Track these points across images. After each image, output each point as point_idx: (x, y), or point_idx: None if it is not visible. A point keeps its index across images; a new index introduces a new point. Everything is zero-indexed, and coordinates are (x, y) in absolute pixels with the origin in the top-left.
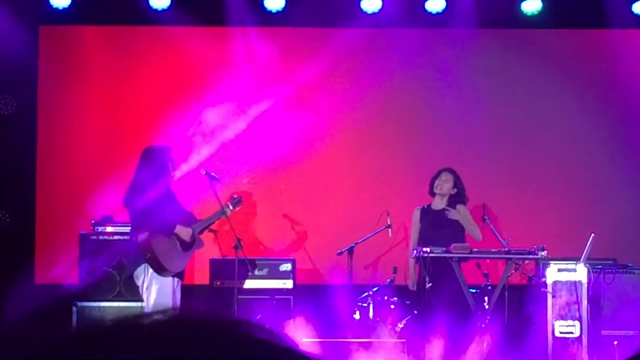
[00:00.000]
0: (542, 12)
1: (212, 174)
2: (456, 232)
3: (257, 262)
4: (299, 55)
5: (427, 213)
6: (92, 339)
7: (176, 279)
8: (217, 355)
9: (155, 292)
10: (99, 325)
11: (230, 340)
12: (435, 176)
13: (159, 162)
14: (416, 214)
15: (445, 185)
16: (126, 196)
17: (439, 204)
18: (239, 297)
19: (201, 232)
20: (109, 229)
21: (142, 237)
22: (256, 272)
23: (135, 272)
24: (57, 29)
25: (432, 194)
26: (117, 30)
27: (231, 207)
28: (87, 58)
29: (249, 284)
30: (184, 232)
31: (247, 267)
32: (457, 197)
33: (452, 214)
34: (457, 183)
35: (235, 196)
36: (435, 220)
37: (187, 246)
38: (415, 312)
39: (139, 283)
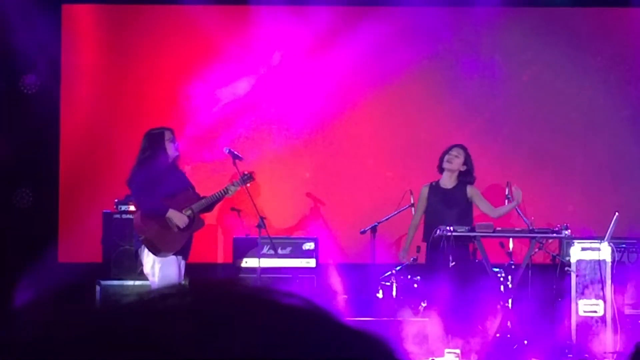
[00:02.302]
0: None
1: (235, 152)
2: (464, 211)
3: (280, 240)
4: (321, 34)
5: (436, 191)
6: (110, 322)
7: (180, 258)
8: (248, 322)
9: (159, 271)
10: (115, 307)
11: (263, 308)
12: (446, 151)
13: (154, 144)
14: (424, 191)
15: (456, 160)
16: (128, 178)
17: (447, 181)
18: (262, 275)
19: (203, 211)
20: (132, 207)
21: (136, 218)
22: (279, 251)
23: (138, 251)
24: (80, 7)
25: (441, 170)
26: (140, 9)
27: (236, 187)
28: (110, 37)
29: (272, 262)
30: (177, 217)
31: (270, 246)
32: (466, 175)
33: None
34: (467, 160)
35: (246, 173)
36: (445, 199)
37: (185, 226)
38: (415, 285)
39: (143, 262)
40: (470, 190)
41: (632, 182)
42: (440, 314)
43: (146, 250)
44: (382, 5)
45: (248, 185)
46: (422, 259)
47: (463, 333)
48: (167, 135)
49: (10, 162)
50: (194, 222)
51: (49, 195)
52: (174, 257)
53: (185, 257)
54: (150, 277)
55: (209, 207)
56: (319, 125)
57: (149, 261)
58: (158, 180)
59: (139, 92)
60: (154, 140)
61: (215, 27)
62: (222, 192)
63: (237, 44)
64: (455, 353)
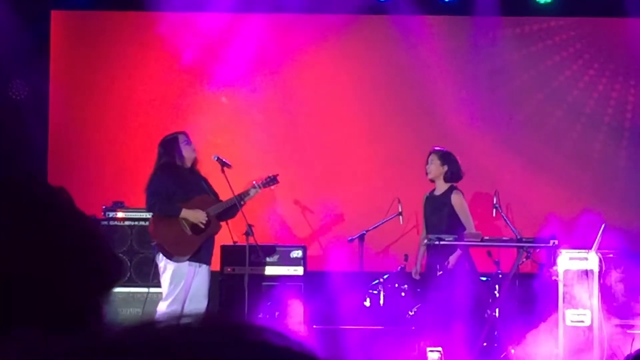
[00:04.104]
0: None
1: (224, 159)
2: (444, 217)
3: (268, 248)
4: (311, 42)
5: (428, 199)
6: (104, 347)
7: (196, 264)
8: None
9: (169, 277)
10: (111, 332)
11: (244, 345)
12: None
13: (169, 150)
14: (423, 201)
15: (430, 167)
16: (146, 186)
17: (438, 188)
18: (250, 283)
19: (224, 215)
20: (120, 214)
21: (149, 224)
22: (267, 259)
23: (156, 258)
24: (69, 14)
25: (432, 181)
26: (130, 16)
27: (257, 189)
28: (100, 43)
29: (260, 270)
30: (193, 215)
31: (258, 254)
32: (452, 176)
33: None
34: (445, 160)
35: (270, 175)
36: (433, 205)
37: (199, 229)
38: (403, 294)
39: (159, 268)
40: (453, 197)
41: (622, 191)
42: (427, 322)
43: (161, 255)
44: (372, 14)
45: (272, 187)
46: (410, 267)
47: (450, 342)
48: (181, 138)
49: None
50: (210, 225)
51: None
52: (187, 264)
53: (206, 262)
54: (162, 284)
55: (229, 211)
56: (308, 132)
57: (162, 267)
58: (173, 184)
59: (127, 99)
60: (169, 145)
61: (208, 34)
62: (243, 194)
63: (230, 51)
64: (437, 351)
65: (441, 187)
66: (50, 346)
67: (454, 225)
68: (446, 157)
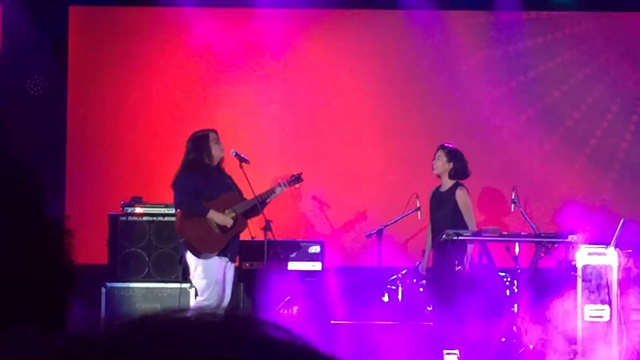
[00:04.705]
0: None
1: (242, 155)
2: (448, 213)
3: (286, 244)
4: (329, 38)
5: (434, 195)
6: (102, 344)
7: (225, 259)
8: (231, 355)
9: (201, 273)
10: (110, 327)
11: (246, 340)
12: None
13: (198, 147)
14: (429, 197)
15: (436, 163)
16: (172, 181)
17: (444, 184)
18: (268, 278)
19: (250, 212)
20: (138, 209)
21: (176, 221)
22: (285, 254)
23: (183, 255)
24: (87, 9)
25: (438, 177)
26: (147, 11)
27: (283, 188)
28: (118, 39)
29: (278, 266)
30: (220, 218)
31: (276, 249)
32: (456, 173)
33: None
34: (452, 157)
35: (295, 174)
36: (438, 201)
37: (227, 227)
38: (421, 289)
39: (189, 265)
40: (458, 193)
41: (639, 186)
42: (445, 318)
43: (189, 253)
44: (388, 9)
45: (297, 186)
46: (428, 263)
47: (468, 337)
48: (212, 136)
49: (16, 163)
50: (237, 223)
51: (55, 197)
52: (217, 258)
53: (232, 260)
54: (193, 281)
55: (255, 209)
56: (325, 128)
57: (192, 264)
58: (201, 182)
59: (145, 95)
60: (198, 142)
61: (224, 30)
62: (268, 192)
63: (245, 45)
64: (454, 354)
65: (447, 183)
66: (47, 344)
67: (459, 222)
68: (453, 154)
